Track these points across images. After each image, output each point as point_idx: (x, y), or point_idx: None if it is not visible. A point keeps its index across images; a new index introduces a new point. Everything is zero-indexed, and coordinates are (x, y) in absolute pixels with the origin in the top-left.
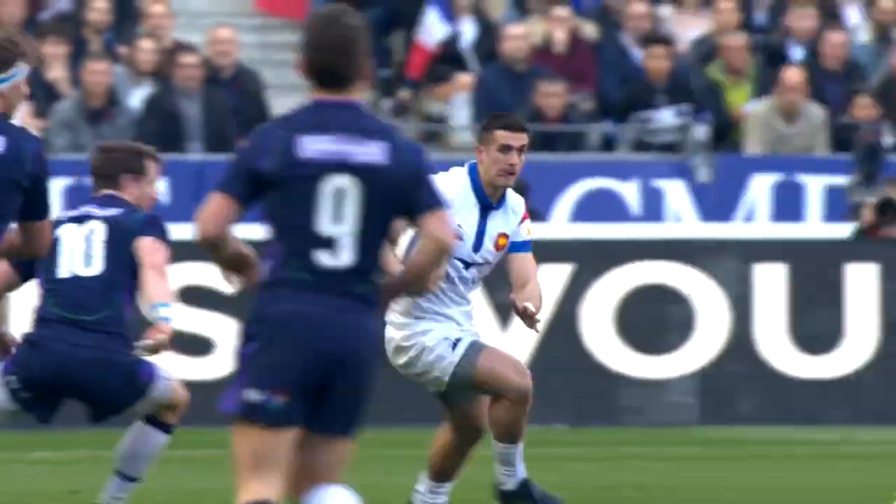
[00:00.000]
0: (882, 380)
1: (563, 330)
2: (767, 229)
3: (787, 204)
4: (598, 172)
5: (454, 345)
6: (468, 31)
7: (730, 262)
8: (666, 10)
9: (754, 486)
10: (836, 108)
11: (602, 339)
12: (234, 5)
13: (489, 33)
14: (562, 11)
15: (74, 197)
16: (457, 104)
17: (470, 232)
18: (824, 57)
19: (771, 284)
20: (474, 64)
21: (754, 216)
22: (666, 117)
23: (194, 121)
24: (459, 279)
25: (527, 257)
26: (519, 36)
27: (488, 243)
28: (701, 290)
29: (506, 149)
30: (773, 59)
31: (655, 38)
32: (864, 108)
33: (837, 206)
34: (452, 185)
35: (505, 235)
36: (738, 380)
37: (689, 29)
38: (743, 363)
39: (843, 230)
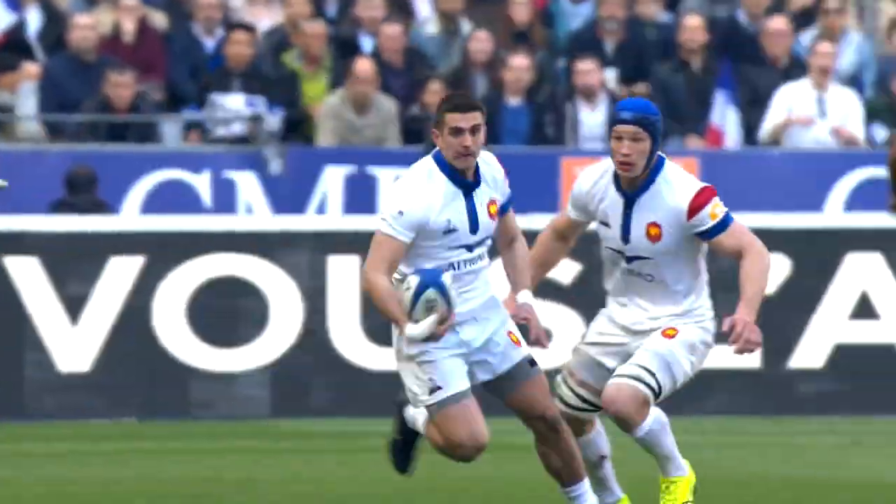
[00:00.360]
0: None
1: (135, 323)
2: (340, 221)
3: (359, 196)
4: (169, 163)
5: (432, 390)
6: (34, 19)
7: (302, 254)
8: (237, 1)
9: (328, 478)
10: (402, 100)
11: (174, 332)
12: None
13: (56, 22)
14: (130, 1)
15: None
16: (23, 94)
17: (462, 218)
18: (386, 49)
19: (344, 276)
20: (40, 53)
21: (326, 208)
22: (238, 107)
23: None
24: (466, 263)
25: (508, 217)
26: (87, 25)
27: (483, 218)
28: (274, 282)
29: (457, 132)
30: (346, 49)
31: (237, 23)
32: (434, 94)
33: None
34: (422, 181)
35: (494, 202)
36: (310, 372)
37: (260, 19)
38: (316, 355)
39: None
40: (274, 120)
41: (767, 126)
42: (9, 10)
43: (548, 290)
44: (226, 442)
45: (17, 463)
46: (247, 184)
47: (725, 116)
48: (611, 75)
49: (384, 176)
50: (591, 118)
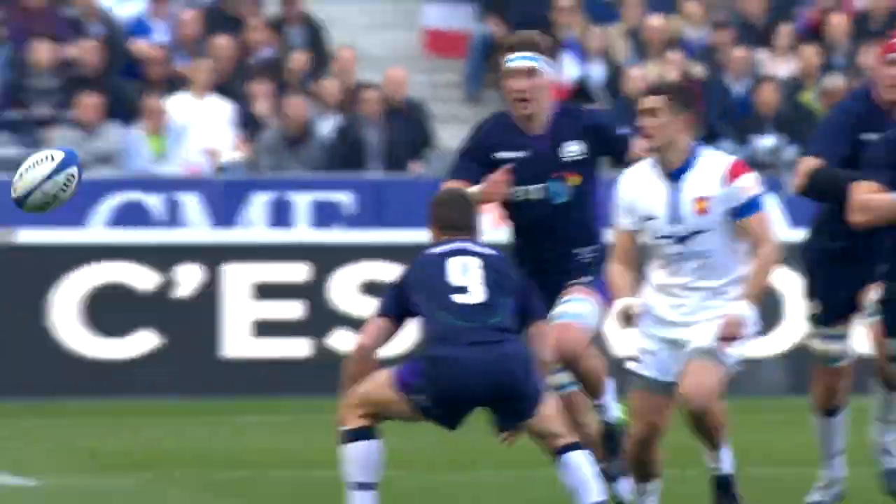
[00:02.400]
0: None
1: None
2: None
3: None
4: None
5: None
6: (597, 71)
7: None
8: (762, 55)
9: None
10: None
11: None
12: (406, 49)
13: (615, 73)
14: (675, 55)
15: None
16: None
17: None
18: None
19: None
20: (602, 100)
21: None
22: (768, 145)
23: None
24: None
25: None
26: (638, 76)
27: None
28: None
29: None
30: None
31: (764, 76)
32: None
33: None
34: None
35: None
36: None
37: (779, 69)
38: None
39: None
40: (791, 151)
41: None
42: (578, 64)
43: None
44: None
45: None
46: None
47: None
48: None
49: None
50: None
